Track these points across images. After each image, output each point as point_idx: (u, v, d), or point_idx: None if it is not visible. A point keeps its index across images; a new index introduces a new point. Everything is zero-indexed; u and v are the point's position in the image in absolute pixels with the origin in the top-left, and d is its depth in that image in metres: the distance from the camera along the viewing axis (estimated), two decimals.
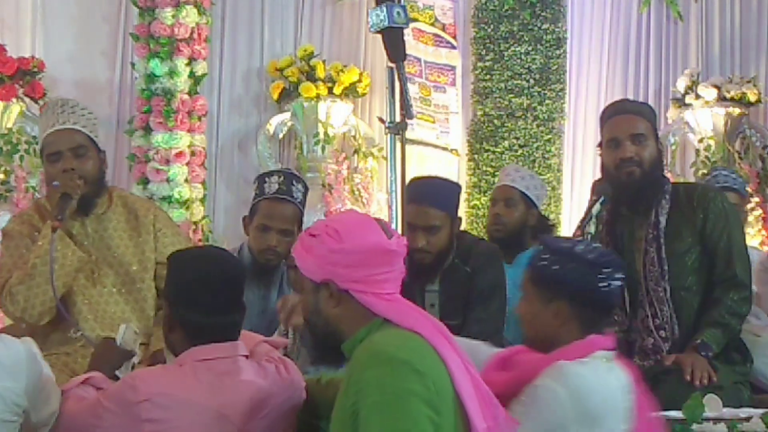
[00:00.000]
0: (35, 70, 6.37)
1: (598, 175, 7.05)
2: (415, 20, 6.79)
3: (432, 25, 7.01)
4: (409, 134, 6.62)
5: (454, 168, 6.91)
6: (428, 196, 3.71)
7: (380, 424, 2.13)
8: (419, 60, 6.85)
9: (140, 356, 3.21)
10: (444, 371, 2.24)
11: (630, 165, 3.50)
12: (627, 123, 3.55)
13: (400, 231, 3.32)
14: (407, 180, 3.44)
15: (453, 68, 7.04)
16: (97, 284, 3.45)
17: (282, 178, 3.84)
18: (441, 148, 6.90)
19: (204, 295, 2.57)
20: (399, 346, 2.22)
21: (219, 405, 2.49)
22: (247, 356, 2.63)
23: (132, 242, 3.51)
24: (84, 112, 3.45)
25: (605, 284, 2.56)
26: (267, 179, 3.85)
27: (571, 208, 6.98)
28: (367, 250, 2.34)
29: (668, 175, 4.29)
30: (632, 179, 3.50)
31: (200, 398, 2.49)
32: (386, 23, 3.28)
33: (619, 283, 2.61)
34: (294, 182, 3.85)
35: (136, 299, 3.49)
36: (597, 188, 3.67)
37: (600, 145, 3.65)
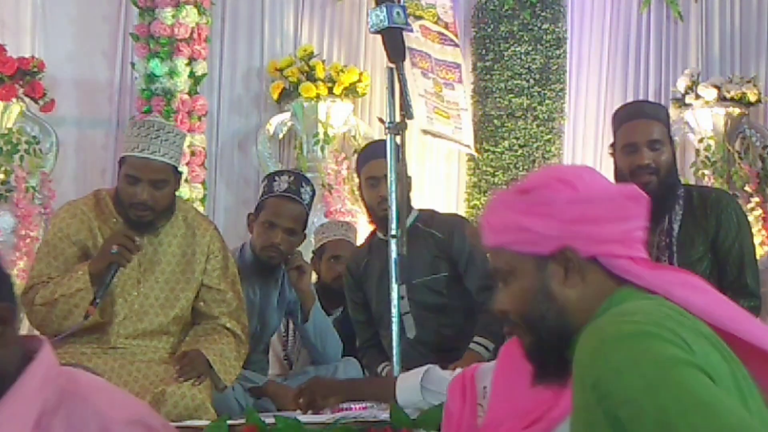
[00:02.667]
0: (35, 70, 6.37)
1: None
2: (421, 18, 6.80)
3: (435, 23, 7.01)
4: (428, 127, 6.76)
5: (463, 164, 6.96)
6: (383, 151, 3.73)
7: (663, 409, 1.46)
8: (429, 56, 6.84)
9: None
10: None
11: (647, 173, 3.45)
12: (644, 128, 3.48)
13: (395, 229, 3.32)
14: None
15: (458, 66, 7.03)
16: (140, 295, 3.46)
17: (292, 178, 3.87)
18: (456, 142, 6.92)
19: None
20: (634, 319, 1.58)
21: None
22: None
23: (184, 260, 3.52)
24: (176, 138, 3.45)
25: None
26: (277, 178, 3.88)
27: None
28: (617, 195, 1.72)
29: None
30: (649, 189, 3.42)
31: None
32: (386, 23, 3.28)
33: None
34: (303, 184, 3.88)
35: (176, 315, 3.51)
36: None
37: (612, 146, 3.59)
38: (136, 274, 3.45)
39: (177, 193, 3.54)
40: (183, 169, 6.43)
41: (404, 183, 3.51)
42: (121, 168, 3.48)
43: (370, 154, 4.01)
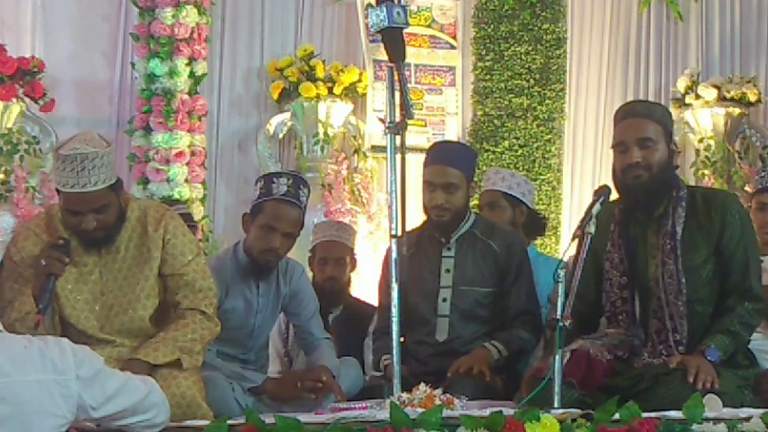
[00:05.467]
0: (35, 70, 6.38)
1: (598, 175, 7.12)
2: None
3: (428, 26, 7.00)
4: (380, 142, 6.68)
5: None
6: (448, 157, 4.03)
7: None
8: (408, 64, 6.81)
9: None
10: None
11: (636, 170, 3.45)
12: (635, 127, 3.49)
13: (400, 229, 3.31)
14: (407, 180, 3.44)
15: (452, 69, 7.02)
16: (105, 306, 3.45)
17: (291, 181, 3.84)
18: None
19: None
20: None
21: None
22: None
23: (142, 259, 3.47)
24: (103, 160, 3.29)
25: None
26: (275, 180, 3.85)
27: (571, 208, 6.98)
28: None
29: None
30: (639, 183, 3.45)
31: None
32: (386, 23, 3.28)
33: None
34: (301, 186, 3.87)
35: (140, 316, 3.48)
36: (599, 191, 3.65)
37: (613, 146, 3.60)
38: (99, 286, 3.44)
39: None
40: (183, 169, 6.45)
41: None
42: (59, 195, 3.40)
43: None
